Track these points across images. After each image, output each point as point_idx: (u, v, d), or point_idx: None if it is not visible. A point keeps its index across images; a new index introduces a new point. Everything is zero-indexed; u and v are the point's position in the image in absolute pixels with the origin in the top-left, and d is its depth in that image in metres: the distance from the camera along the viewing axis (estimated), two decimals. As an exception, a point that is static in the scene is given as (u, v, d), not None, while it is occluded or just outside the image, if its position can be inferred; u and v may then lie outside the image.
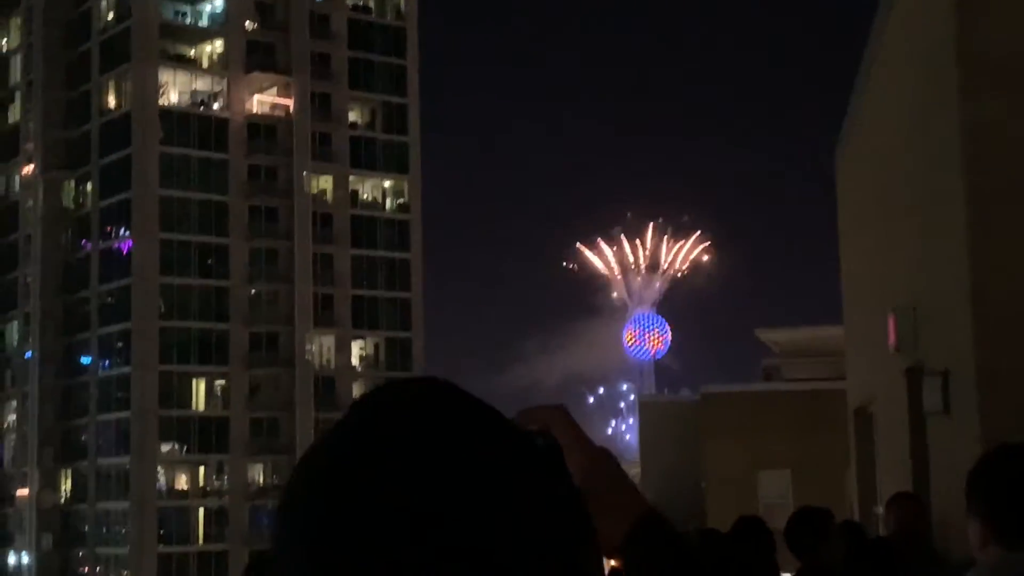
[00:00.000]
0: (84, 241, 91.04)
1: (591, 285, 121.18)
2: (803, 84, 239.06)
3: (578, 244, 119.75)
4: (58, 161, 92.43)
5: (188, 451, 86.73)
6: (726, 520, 7.25)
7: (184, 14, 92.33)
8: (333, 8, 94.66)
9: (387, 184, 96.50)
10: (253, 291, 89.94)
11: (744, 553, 6.58)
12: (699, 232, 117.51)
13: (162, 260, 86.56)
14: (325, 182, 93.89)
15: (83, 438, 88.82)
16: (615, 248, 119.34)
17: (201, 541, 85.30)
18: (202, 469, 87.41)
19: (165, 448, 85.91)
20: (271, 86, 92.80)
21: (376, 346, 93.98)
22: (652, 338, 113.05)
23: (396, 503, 0.90)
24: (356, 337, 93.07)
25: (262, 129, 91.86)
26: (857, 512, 14.35)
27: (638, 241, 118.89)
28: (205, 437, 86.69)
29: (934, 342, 9.49)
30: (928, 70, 9.31)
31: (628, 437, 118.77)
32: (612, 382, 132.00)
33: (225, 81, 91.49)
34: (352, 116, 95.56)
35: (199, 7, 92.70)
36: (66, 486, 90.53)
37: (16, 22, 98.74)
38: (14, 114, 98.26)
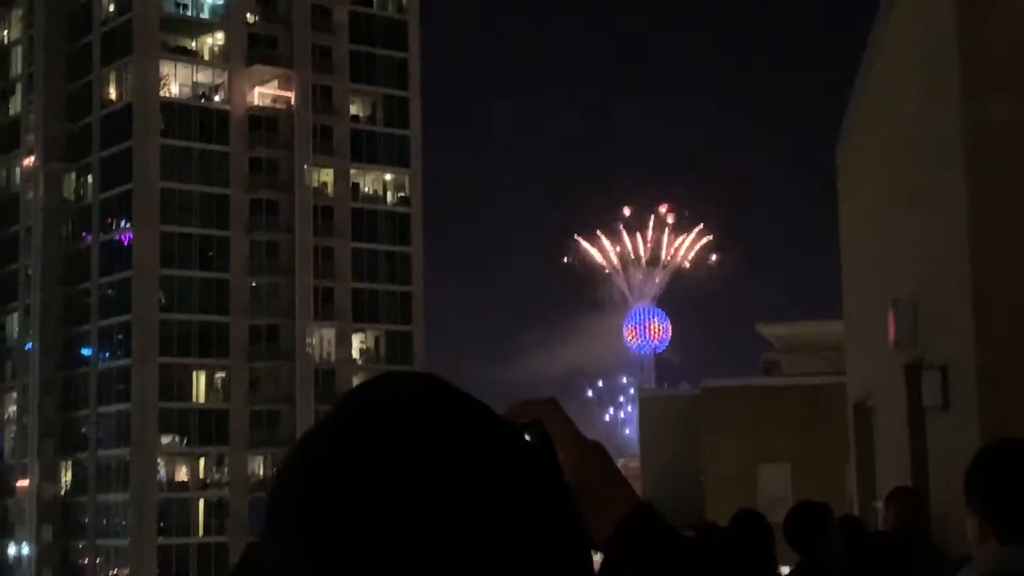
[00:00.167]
0: (85, 233, 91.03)
1: (592, 279, 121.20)
2: (805, 79, 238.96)
3: (577, 237, 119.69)
4: (59, 153, 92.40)
5: (188, 443, 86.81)
6: (726, 514, 7.28)
7: (185, 6, 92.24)
8: (335, 1, 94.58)
9: (388, 177, 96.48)
10: (254, 284, 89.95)
11: (743, 547, 6.62)
12: (701, 226, 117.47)
13: (163, 252, 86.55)
14: (326, 175, 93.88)
15: (83, 430, 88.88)
16: (616, 242, 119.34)
17: (201, 533, 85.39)
18: (202, 461, 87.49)
19: (165, 440, 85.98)
20: (272, 79, 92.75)
21: (376, 339, 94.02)
22: (653, 327, 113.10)
23: (385, 498, 0.89)
24: (356, 330, 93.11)
25: (263, 122, 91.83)
26: (856, 507, 14.39)
27: (639, 235, 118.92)
28: (205, 429, 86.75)
29: (934, 338, 9.53)
30: (930, 68, 9.34)
31: (628, 431, 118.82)
32: (612, 376, 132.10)
33: (226, 74, 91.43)
34: (353, 109, 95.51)
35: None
36: (66, 478, 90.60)
37: (17, 14, 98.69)
38: (15, 106, 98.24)
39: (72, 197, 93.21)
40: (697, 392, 39.24)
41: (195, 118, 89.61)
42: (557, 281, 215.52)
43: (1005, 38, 8.03)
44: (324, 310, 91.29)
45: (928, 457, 10.12)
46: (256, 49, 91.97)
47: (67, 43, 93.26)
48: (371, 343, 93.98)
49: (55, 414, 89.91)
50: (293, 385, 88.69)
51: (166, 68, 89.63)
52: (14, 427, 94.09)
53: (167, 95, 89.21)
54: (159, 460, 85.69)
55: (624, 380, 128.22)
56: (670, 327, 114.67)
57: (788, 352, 40.09)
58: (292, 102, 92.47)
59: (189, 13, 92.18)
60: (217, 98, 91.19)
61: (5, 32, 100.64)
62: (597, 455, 1.46)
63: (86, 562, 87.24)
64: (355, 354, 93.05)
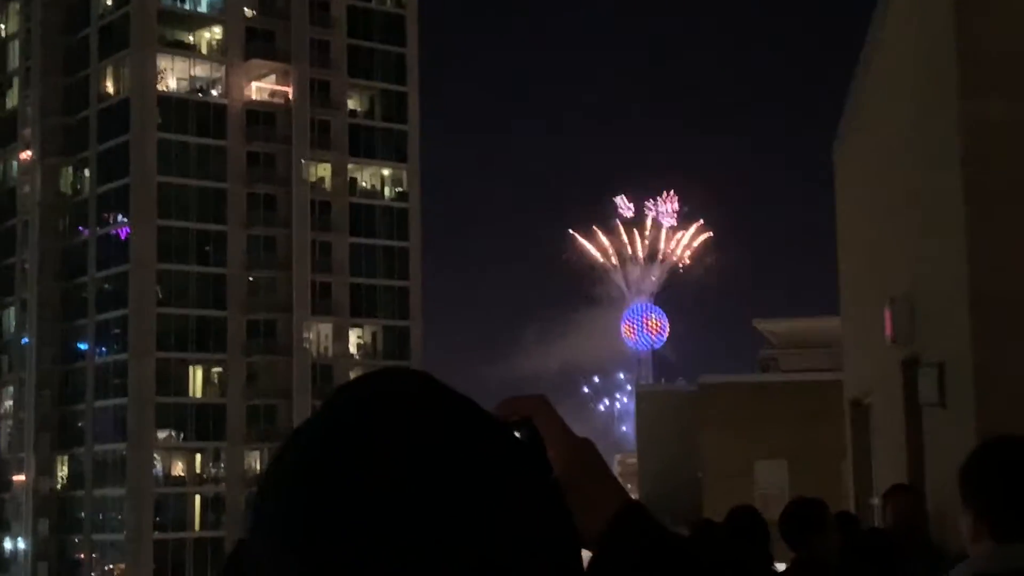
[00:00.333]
0: (82, 227, 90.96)
1: (589, 276, 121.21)
2: (804, 76, 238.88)
3: (575, 234, 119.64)
4: (56, 147, 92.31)
5: (185, 438, 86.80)
6: (723, 511, 7.29)
7: (183, 0, 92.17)
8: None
9: (386, 172, 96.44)
10: (251, 278, 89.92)
11: (738, 544, 6.63)
12: (700, 222, 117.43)
13: (160, 247, 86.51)
14: (324, 170, 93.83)
15: (80, 424, 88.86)
16: (614, 239, 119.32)
17: (198, 528, 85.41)
18: (199, 456, 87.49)
19: (162, 435, 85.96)
20: (270, 73, 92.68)
21: (374, 334, 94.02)
22: (650, 324, 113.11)
23: (376, 495, 0.89)
24: (354, 325, 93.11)
25: (261, 116, 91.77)
26: (853, 503, 14.41)
27: (636, 231, 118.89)
28: (202, 424, 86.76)
29: (931, 335, 9.54)
30: (927, 68, 9.35)
31: (624, 428, 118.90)
32: (609, 372, 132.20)
33: (224, 68, 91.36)
34: (351, 104, 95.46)
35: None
36: (63, 472, 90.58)
37: (15, 7, 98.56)
38: (12, 99, 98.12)
39: (69, 191, 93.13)
40: (694, 388, 39.25)
41: (192, 112, 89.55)
42: (555, 277, 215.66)
43: (1002, 38, 8.04)
44: (321, 305, 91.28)
45: (925, 454, 10.14)
46: (254, 43, 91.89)
47: (64, 37, 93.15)
48: (368, 338, 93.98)
49: (52, 408, 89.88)
50: (290, 380, 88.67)
51: (163, 62, 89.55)
52: (10, 422, 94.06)
53: (164, 89, 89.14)
54: (156, 455, 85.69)
55: (621, 376, 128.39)
56: (667, 323, 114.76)
57: (785, 348, 40.13)
58: (290, 96, 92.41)
59: (187, 7, 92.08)
60: (215, 92, 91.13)
61: (2, 26, 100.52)
62: (586, 452, 1.44)
63: (82, 557, 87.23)
64: (352, 349, 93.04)
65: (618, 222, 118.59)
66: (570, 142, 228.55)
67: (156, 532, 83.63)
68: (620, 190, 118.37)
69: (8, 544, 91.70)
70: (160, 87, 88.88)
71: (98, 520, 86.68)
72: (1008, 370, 7.77)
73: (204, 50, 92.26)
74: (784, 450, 33.49)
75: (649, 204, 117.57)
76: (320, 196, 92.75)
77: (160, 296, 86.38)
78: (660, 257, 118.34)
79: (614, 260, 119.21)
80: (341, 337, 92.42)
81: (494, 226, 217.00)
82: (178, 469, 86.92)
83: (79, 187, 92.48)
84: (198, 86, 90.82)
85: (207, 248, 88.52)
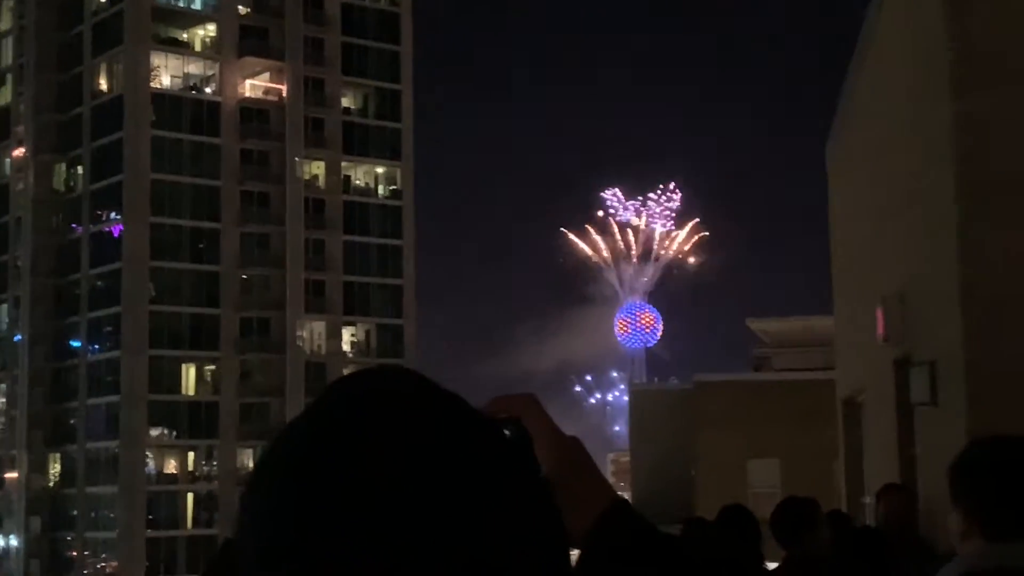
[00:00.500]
0: (75, 224, 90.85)
1: (583, 274, 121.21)
2: (798, 76, 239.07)
3: (569, 233, 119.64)
4: (49, 144, 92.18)
5: (178, 436, 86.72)
6: (715, 509, 7.29)
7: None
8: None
9: (380, 170, 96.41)
10: (244, 276, 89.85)
11: (729, 542, 6.63)
12: (696, 220, 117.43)
13: (153, 244, 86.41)
14: (317, 167, 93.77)
15: (72, 422, 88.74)
16: (607, 238, 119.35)
17: (190, 526, 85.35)
18: (191, 454, 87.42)
19: (155, 433, 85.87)
20: (264, 71, 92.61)
21: (367, 332, 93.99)
22: (644, 322, 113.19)
23: (366, 493, 0.88)
24: (347, 323, 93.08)
25: (254, 114, 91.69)
26: (845, 502, 14.42)
27: (630, 230, 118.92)
28: (195, 422, 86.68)
29: (922, 333, 9.55)
30: (919, 65, 9.35)
31: (617, 427, 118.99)
32: (603, 370, 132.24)
33: (218, 65, 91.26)
34: (345, 102, 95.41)
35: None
36: (55, 470, 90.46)
37: (8, 4, 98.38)
38: (5, 96, 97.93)
39: (62, 188, 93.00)
40: (687, 387, 39.30)
41: (186, 110, 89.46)
42: (549, 275, 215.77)
43: (994, 34, 8.04)
44: (315, 303, 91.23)
45: (916, 453, 10.15)
46: (248, 41, 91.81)
47: (58, 33, 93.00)
48: (362, 336, 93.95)
49: (44, 406, 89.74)
50: (283, 378, 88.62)
51: (157, 59, 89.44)
52: (3, 419, 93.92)
53: (158, 86, 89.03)
54: (148, 453, 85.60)
55: (615, 374, 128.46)
56: (661, 322, 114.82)
57: (778, 347, 40.19)
58: (283, 94, 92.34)
59: (181, 4, 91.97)
60: (208, 90, 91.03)
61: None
62: (575, 450, 1.44)
63: (75, 555, 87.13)
64: (346, 347, 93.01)
65: (611, 220, 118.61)
66: (565, 141, 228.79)
67: (148, 530, 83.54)
68: (615, 188, 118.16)
69: (0, 541, 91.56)
70: (154, 84, 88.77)
71: (90, 518, 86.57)
72: (999, 369, 7.77)
73: (198, 47, 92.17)
74: (777, 449, 33.55)
75: (640, 207, 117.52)
76: (314, 194, 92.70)
77: (153, 293, 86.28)
78: (654, 256, 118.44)
79: (607, 258, 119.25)
80: (334, 335, 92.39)
81: (488, 224, 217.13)
82: (171, 467, 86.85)
83: (72, 184, 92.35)
84: (192, 83, 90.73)
85: (200, 245, 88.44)
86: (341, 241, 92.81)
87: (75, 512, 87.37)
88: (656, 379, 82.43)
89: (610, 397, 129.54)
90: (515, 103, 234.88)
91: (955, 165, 8.03)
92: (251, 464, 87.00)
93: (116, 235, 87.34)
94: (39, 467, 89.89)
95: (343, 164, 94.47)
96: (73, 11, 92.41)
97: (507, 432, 1.04)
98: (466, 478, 0.91)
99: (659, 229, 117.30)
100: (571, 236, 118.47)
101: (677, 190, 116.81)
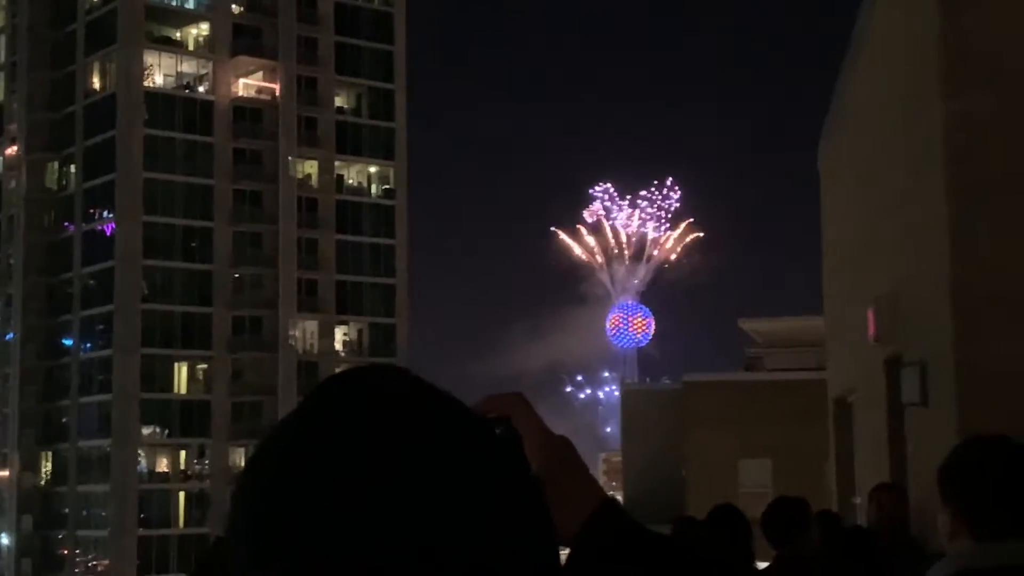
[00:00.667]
0: (67, 223, 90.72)
1: (575, 274, 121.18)
2: (791, 76, 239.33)
3: (559, 232, 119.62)
4: (42, 142, 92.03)
5: (169, 435, 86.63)
6: (707, 508, 7.29)
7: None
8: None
9: (373, 170, 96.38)
10: (237, 275, 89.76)
11: (718, 541, 6.63)
12: (690, 220, 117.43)
13: (145, 243, 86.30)
14: (310, 167, 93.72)
15: (64, 420, 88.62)
16: (600, 238, 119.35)
17: (182, 525, 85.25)
18: (183, 453, 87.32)
19: (146, 431, 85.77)
20: (257, 70, 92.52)
21: (360, 331, 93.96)
22: (636, 322, 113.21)
23: (356, 494, 0.88)
24: (340, 322, 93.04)
25: (247, 113, 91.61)
26: (836, 502, 14.42)
27: (623, 230, 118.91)
28: (187, 421, 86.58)
29: (913, 334, 9.55)
30: (912, 65, 9.35)
31: (609, 427, 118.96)
32: (594, 370, 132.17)
33: (211, 64, 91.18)
34: (338, 101, 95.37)
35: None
36: (47, 468, 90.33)
37: (1, 2, 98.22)
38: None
39: (55, 186, 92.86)
40: (679, 387, 39.32)
41: (179, 108, 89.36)
42: (541, 275, 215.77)
43: (987, 34, 8.04)
44: (307, 302, 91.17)
45: (907, 453, 10.15)
46: (241, 40, 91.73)
47: (51, 32, 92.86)
48: (354, 335, 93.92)
49: (36, 404, 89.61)
50: (275, 377, 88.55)
51: (150, 58, 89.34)
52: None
53: (151, 85, 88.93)
54: (140, 451, 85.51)
55: (606, 374, 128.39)
56: (653, 322, 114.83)
57: (770, 347, 40.22)
58: (277, 93, 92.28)
59: (174, 3, 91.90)
60: (201, 89, 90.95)
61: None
62: (564, 450, 1.45)
63: (66, 553, 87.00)
64: (338, 346, 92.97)
65: (604, 219, 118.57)
66: (560, 141, 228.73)
67: (140, 528, 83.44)
68: (608, 187, 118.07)
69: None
70: (147, 83, 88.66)
71: (82, 516, 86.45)
72: (990, 369, 7.77)
73: (191, 46, 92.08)
74: (768, 449, 33.58)
75: (632, 206, 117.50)
76: (307, 193, 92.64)
77: (145, 292, 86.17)
78: (646, 256, 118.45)
79: (599, 259, 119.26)
80: (327, 334, 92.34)
81: (480, 224, 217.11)
82: (163, 465, 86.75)
83: (65, 182, 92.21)
84: (185, 82, 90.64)
85: (193, 244, 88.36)
86: (334, 240, 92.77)
87: (67, 510, 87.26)
88: (648, 379, 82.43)
89: (600, 394, 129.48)
90: (509, 103, 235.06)
91: (947, 165, 8.03)
92: (243, 463, 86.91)
93: (109, 233, 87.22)
94: (31, 465, 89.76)
95: (336, 163, 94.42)
96: (66, 9, 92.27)
97: (497, 431, 1.05)
98: (457, 477, 0.91)
99: (651, 234, 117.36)
100: (563, 236, 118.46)
101: (676, 187, 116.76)
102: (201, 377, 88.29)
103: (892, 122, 10.43)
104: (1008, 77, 8.00)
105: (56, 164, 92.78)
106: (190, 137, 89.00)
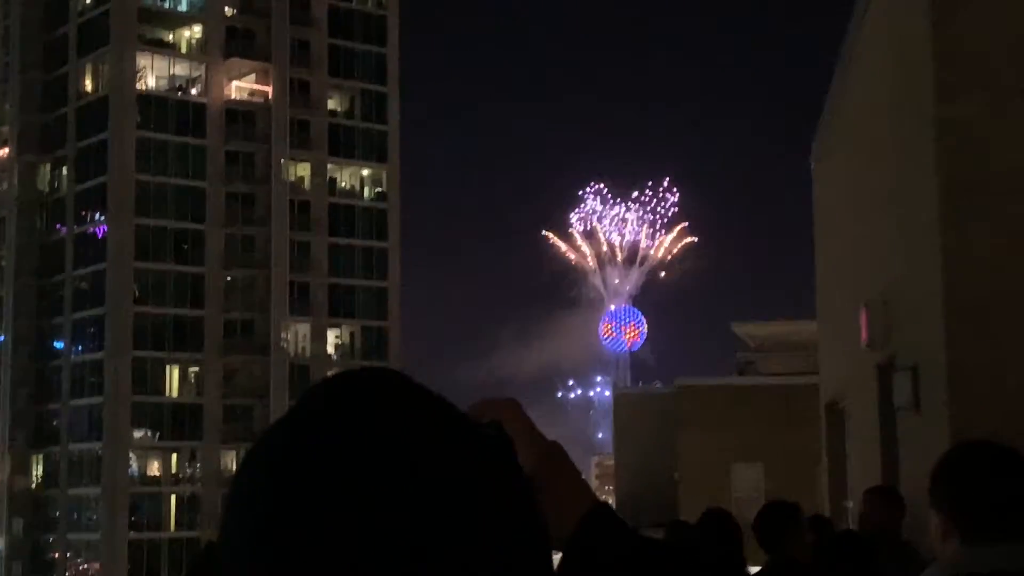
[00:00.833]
0: (59, 225, 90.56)
1: (568, 278, 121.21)
2: (783, 80, 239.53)
3: (551, 235, 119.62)
4: (34, 144, 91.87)
5: (161, 437, 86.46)
6: (698, 512, 7.29)
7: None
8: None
9: (365, 173, 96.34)
10: (229, 277, 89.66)
11: (710, 545, 6.62)
12: (685, 224, 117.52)
13: (137, 245, 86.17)
14: (303, 169, 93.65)
15: (55, 423, 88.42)
16: (593, 242, 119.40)
17: (173, 528, 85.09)
18: (175, 456, 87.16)
19: (138, 434, 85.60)
20: (250, 72, 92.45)
21: (352, 335, 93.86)
22: (628, 331, 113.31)
23: (348, 498, 0.88)
24: (332, 325, 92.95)
25: (240, 115, 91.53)
26: (828, 506, 14.42)
27: (615, 234, 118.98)
28: (178, 424, 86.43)
29: (905, 338, 9.55)
30: (903, 69, 9.36)
31: (600, 431, 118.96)
32: (587, 374, 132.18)
33: (203, 66, 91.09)
34: (331, 104, 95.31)
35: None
36: (38, 471, 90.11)
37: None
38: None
39: (46, 189, 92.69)
40: (671, 391, 39.32)
41: (171, 111, 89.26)
42: (534, 279, 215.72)
43: (978, 36, 8.04)
44: (300, 305, 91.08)
45: (899, 457, 10.14)
46: (234, 42, 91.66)
47: (43, 33, 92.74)
48: (346, 338, 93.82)
49: (27, 406, 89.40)
50: (267, 380, 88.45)
51: (143, 60, 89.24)
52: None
53: (143, 87, 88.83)
54: (131, 454, 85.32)
55: (599, 378, 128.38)
56: (645, 326, 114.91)
57: (763, 352, 40.22)
58: (269, 96, 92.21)
59: (167, 5, 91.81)
60: (194, 91, 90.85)
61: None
62: (555, 454, 1.45)
63: (57, 556, 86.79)
64: (330, 349, 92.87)
65: (596, 223, 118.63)
66: (554, 144, 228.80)
67: (131, 532, 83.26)
68: (601, 191, 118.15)
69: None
70: (139, 85, 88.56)
71: (73, 519, 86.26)
72: (982, 373, 7.77)
73: (184, 48, 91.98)
74: (760, 453, 33.59)
75: (626, 208, 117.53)
76: (299, 196, 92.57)
77: (137, 294, 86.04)
78: (639, 260, 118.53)
79: (592, 263, 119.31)
80: (319, 337, 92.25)
81: (473, 227, 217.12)
82: (154, 469, 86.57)
83: (57, 185, 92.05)
84: (177, 84, 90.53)
85: (185, 247, 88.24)
86: (326, 243, 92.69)
87: (57, 513, 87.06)
88: (640, 383, 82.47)
89: (593, 401, 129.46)
90: (504, 104, 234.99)
91: (938, 168, 8.03)
92: (234, 466, 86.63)
93: (100, 236, 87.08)
94: (22, 468, 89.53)
95: (329, 166, 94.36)
96: (58, 11, 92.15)
97: (488, 435, 1.04)
98: (449, 479, 0.91)
99: (644, 241, 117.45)
100: (555, 240, 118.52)
101: (674, 189, 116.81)
102: (193, 380, 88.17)
103: (883, 125, 10.43)
104: (997, 81, 8.00)
105: (48, 166, 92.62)
106: (182, 139, 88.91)
